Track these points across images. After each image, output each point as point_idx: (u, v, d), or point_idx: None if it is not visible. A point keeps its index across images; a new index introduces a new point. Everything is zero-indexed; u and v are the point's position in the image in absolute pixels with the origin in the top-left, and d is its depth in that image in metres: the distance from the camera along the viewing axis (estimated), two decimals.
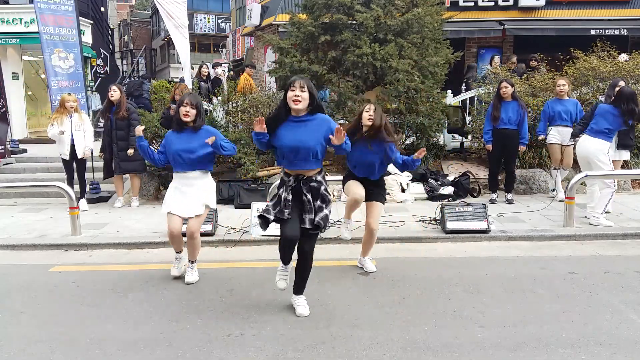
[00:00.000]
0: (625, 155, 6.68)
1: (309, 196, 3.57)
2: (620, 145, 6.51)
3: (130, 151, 7.16)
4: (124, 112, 7.18)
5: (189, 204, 4.29)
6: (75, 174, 7.33)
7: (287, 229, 3.55)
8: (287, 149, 3.54)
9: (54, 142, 7.28)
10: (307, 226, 3.53)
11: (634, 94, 5.74)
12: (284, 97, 3.57)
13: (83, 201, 7.31)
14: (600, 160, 5.74)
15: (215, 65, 13.46)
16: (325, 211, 3.60)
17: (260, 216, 3.67)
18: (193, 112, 4.24)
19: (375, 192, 4.45)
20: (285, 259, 3.72)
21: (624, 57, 9.11)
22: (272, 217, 3.61)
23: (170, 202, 4.33)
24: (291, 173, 3.64)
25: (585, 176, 5.87)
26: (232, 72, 16.25)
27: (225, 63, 20.43)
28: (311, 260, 3.66)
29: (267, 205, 3.71)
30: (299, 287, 3.79)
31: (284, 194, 3.61)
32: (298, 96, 3.47)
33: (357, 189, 4.38)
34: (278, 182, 3.80)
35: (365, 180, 4.46)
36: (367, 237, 4.56)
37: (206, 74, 10.95)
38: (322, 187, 3.64)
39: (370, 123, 4.30)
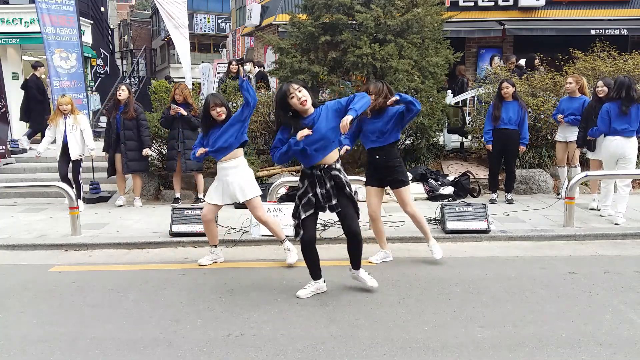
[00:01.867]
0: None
1: (330, 184, 3.78)
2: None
3: (146, 151, 7.35)
4: (132, 112, 7.22)
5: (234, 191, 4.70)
6: (70, 175, 7.31)
7: (306, 233, 3.83)
8: (310, 145, 3.69)
9: (53, 142, 7.29)
10: (330, 212, 3.84)
11: (630, 80, 5.86)
12: (283, 111, 3.71)
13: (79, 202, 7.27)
14: (631, 156, 5.91)
15: (243, 62, 13.29)
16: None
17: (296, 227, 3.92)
18: (223, 109, 4.58)
19: (394, 178, 4.58)
20: (314, 272, 4.00)
21: (522, 61, 9.27)
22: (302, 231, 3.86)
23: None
24: (313, 166, 3.81)
25: (585, 176, 5.89)
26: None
27: (226, 63, 20.41)
28: (361, 238, 3.87)
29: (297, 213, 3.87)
30: (356, 263, 4.02)
31: (317, 189, 3.79)
32: (301, 97, 3.63)
33: (371, 200, 4.72)
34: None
35: (378, 161, 4.56)
36: (415, 223, 4.82)
37: (235, 71, 10.90)
38: (342, 176, 3.83)
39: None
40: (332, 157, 3.81)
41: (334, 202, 3.79)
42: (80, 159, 7.30)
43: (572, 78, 6.97)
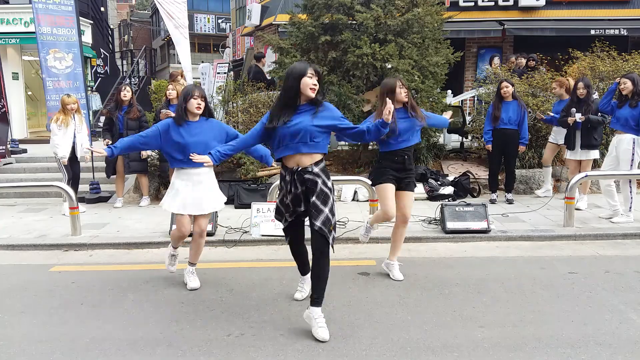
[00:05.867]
0: (594, 154, 6.55)
1: (302, 189, 3.37)
2: (584, 146, 6.44)
3: (145, 153, 7.30)
4: (137, 112, 7.27)
5: (202, 201, 4.09)
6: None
7: (289, 234, 3.69)
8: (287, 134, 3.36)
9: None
10: (315, 228, 3.31)
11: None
12: (297, 83, 3.33)
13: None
14: None
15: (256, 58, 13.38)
16: (325, 212, 3.31)
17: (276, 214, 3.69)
18: (203, 104, 4.06)
19: (412, 180, 4.35)
20: (300, 268, 3.92)
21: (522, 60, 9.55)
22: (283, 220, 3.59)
23: (181, 201, 4.06)
24: (288, 165, 3.43)
25: (586, 176, 5.89)
26: (232, 72, 16.23)
27: (226, 63, 20.42)
28: (324, 263, 3.37)
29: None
30: (313, 292, 3.37)
31: (283, 195, 3.51)
32: (315, 85, 3.33)
33: (391, 203, 4.25)
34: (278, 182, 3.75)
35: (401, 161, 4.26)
36: (400, 233, 4.48)
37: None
38: (320, 181, 3.34)
39: (406, 99, 4.23)
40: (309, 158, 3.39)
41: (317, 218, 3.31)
42: (86, 160, 7.35)
43: (556, 83, 7.08)
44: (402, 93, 4.20)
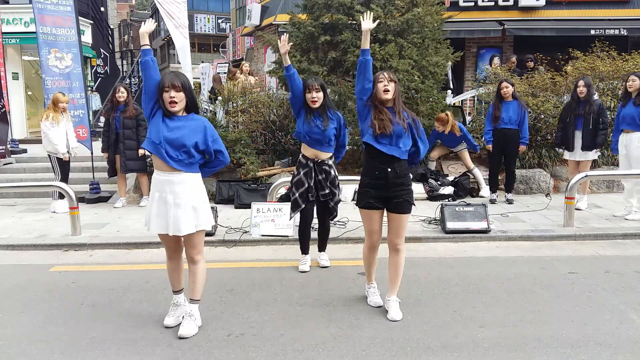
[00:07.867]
0: (593, 155, 6.54)
1: (322, 176, 4.41)
2: (584, 147, 6.42)
3: (141, 151, 7.25)
4: (133, 110, 7.27)
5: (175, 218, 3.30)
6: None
7: (304, 213, 4.56)
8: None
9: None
10: (322, 199, 4.47)
11: None
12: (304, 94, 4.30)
13: (63, 202, 7.00)
14: None
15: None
16: (339, 197, 4.56)
17: (293, 201, 4.50)
18: (181, 96, 3.17)
19: (404, 199, 3.55)
20: (303, 247, 4.71)
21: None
22: (302, 205, 4.48)
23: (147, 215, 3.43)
24: (308, 155, 4.41)
25: (586, 176, 5.88)
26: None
27: (226, 63, 20.44)
28: (328, 227, 4.78)
29: (293, 193, 4.51)
30: (320, 246, 4.83)
31: (305, 179, 4.43)
32: (314, 97, 4.23)
33: (372, 227, 3.62)
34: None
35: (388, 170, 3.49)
36: (398, 264, 3.67)
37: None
38: (333, 171, 4.45)
39: (386, 97, 3.46)
40: (326, 154, 4.46)
41: (326, 191, 4.44)
42: (75, 154, 7.46)
43: (437, 122, 7.44)
44: (381, 89, 3.44)
